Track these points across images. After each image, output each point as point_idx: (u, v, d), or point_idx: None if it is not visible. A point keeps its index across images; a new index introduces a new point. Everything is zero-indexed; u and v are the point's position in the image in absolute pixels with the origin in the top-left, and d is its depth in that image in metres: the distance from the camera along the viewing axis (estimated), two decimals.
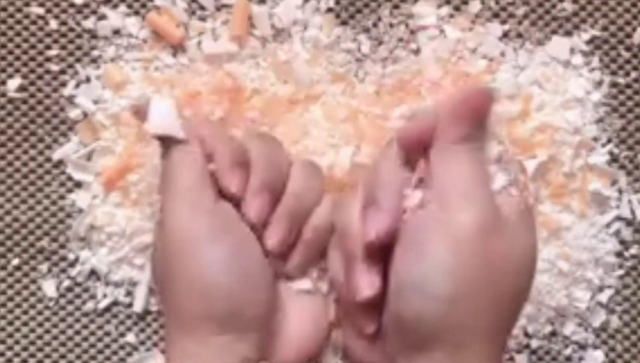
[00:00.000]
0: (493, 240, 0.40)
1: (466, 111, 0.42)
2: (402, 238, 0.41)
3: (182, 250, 0.42)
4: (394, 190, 0.42)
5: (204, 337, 0.41)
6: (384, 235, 0.41)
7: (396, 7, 0.56)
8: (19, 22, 0.55)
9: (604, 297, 0.56)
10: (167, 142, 0.44)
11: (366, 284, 0.42)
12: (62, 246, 0.56)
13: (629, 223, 0.56)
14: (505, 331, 0.42)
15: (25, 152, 0.56)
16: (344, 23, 0.56)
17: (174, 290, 0.42)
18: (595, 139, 0.56)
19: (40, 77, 0.56)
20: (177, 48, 0.55)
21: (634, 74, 0.56)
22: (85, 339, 0.56)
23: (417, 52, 0.56)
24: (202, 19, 0.55)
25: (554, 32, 0.56)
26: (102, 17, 0.55)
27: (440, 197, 0.41)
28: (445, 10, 0.56)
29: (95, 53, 0.56)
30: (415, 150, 0.42)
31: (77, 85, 0.56)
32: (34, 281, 0.56)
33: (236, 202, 0.44)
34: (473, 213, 0.40)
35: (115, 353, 0.56)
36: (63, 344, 0.56)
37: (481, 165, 0.42)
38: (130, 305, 0.56)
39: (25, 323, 0.56)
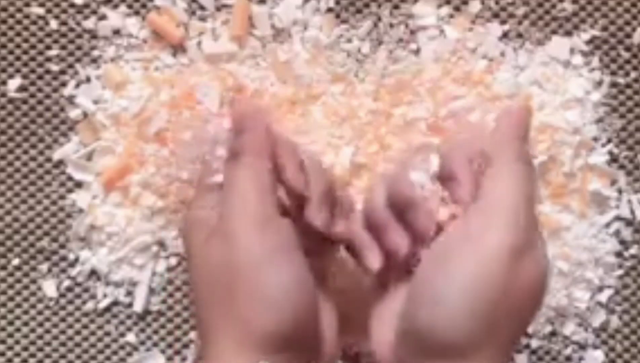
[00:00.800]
0: (524, 260, 0.40)
1: (521, 130, 0.44)
2: (433, 248, 0.42)
3: (251, 268, 0.41)
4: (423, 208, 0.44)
5: (258, 354, 0.41)
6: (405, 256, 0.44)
7: (396, 7, 0.56)
8: (19, 22, 0.55)
9: (603, 297, 0.56)
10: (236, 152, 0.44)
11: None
12: (62, 246, 0.56)
13: (629, 223, 0.56)
14: (516, 341, 0.43)
15: (26, 152, 0.56)
16: (344, 23, 0.56)
17: (241, 305, 0.41)
18: (595, 139, 0.56)
19: (40, 77, 0.56)
20: (177, 48, 0.55)
21: (633, 74, 0.56)
22: (85, 339, 0.56)
23: (417, 52, 0.56)
24: (202, 19, 0.55)
25: (553, 32, 0.56)
26: (102, 17, 0.56)
27: (488, 212, 0.41)
28: (445, 10, 0.56)
29: (95, 53, 0.56)
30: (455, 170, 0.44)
31: (77, 85, 0.56)
32: (34, 281, 0.56)
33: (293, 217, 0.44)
34: (513, 233, 0.40)
35: (115, 353, 0.56)
36: (63, 344, 0.56)
37: (534, 183, 0.43)
38: (130, 305, 0.56)
39: (25, 323, 0.56)
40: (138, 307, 0.55)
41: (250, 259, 0.41)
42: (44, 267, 0.56)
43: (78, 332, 0.56)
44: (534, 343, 0.56)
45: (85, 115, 0.55)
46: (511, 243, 0.40)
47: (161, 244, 0.55)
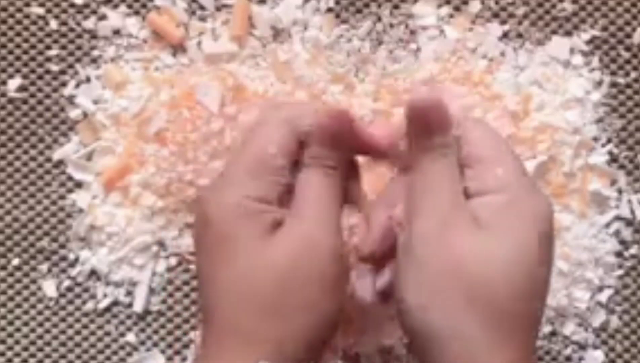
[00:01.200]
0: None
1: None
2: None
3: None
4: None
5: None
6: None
7: (396, 7, 0.56)
8: (19, 22, 0.55)
9: (603, 297, 0.56)
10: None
11: None
12: (62, 246, 0.56)
13: (629, 223, 0.56)
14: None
15: (26, 152, 0.56)
16: (344, 23, 0.56)
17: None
18: (595, 139, 0.56)
19: (40, 77, 0.56)
20: (177, 48, 0.55)
21: (633, 74, 0.56)
22: (86, 339, 0.56)
23: (417, 52, 0.56)
24: (202, 19, 0.56)
25: (553, 32, 0.56)
26: (102, 17, 0.56)
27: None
28: (445, 10, 0.56)
29: (95, 53, 0.56)
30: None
31: (77, 85, 0.56)
32: (34, 281, 0.56)
33: None
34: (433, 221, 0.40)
35: (115, 353, 0.56)
36: (63, 344, 0.56)
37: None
38: (130, 305, 0.56)
39: (25, 323, 0.56)
40: (138, 307, 0.55)
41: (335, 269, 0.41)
42: (44, 267, 0.56)
43: (78, 332, 0.56)
44: None
45: (85, 115, 0.55)
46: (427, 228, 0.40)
47: (161, 244, 0.55)
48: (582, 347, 0.56)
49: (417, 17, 0.55)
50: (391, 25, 0.56)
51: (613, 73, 0.56)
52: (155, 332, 0.56)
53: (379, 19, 0.56)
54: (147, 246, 0.55)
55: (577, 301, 0.55)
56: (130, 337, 0.56)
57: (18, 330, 0.56)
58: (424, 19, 0.55)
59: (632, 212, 0.56)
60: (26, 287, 0.56)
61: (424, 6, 0.56)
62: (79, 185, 0.56)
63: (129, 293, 0.56)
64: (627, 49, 0.56)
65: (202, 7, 0.55)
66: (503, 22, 0.56)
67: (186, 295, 0.56)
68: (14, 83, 0.55)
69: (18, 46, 0.55)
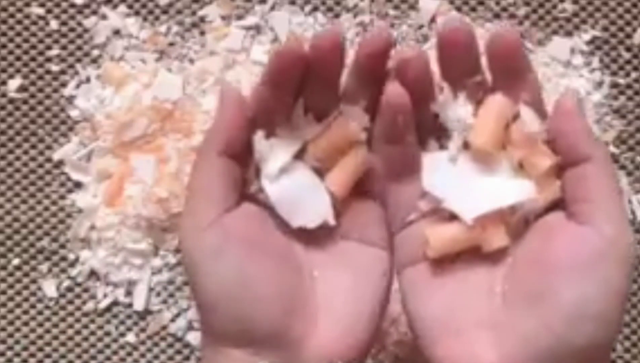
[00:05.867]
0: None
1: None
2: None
3: (192, 265, 0.40)
4: None
5: (224, 348, 0.40)
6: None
7: (396, 7, 0.56)
8: (19, 22, 0.56)
9: None
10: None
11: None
12: (62, 246, 0.56)
13: (630, 223, 0.56)
14: None
15: (26, 152, 0.56)
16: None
17: (196, 301, 0.41)
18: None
19: (40, 78, 0.56)
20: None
21: (634, 75, 0.56)
22: (86, 339, 0.56)
23: None
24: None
25: (554, 32, 0.56)
26: (103, 17, 0.56)
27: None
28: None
29: (95, 53, 0.56)
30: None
31: (78, 86, 0.56)
32: (34, 281, 0.56)
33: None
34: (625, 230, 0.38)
35: (115, 353, 0.56)
36: (63, 344, 0.56)
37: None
38: (130, 305, 0.56)
39: (25, 323, 0.56)
40: (138, 307, 0.55)
41: (190, 259, 0.40)
42: (44, 267, 0.56)
43: (78, 332, 0.56)
44: None
45: (85, 115, 0.55)
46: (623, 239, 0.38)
47: (161, 244, 0.55)
48: None
49: (419, 17, 0.55)
50: (392, 25, 0.56)
51: (614, 73, 0.56)
52: (156, 332, 0.56)
53: (382, 18, 0.56)
54: (146, 246, 0.55)
55: None
56: (130, 337, 0.56)
57: (18, 330, 0.56)
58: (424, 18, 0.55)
59: (633, 212, 0.56)
60: (26, 287, 0.56)
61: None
62: (78, 185, 0.56)
63: (129, 294, 0.56)
64: (628, 49, 0.56)
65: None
66: (503, 23, 0.56)
67: (186, 295, 0.56)
68: (14, 83, 0.55)
69: (18, 46, 0.56)
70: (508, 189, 0.39)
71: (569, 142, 0.38)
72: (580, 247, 0.37)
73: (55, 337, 0.56)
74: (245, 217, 0.41)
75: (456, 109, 0.39)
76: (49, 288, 0.56)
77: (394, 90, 0.39)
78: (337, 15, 0.56)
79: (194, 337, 0.55)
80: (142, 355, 0.56)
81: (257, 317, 0.39)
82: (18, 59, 0.56)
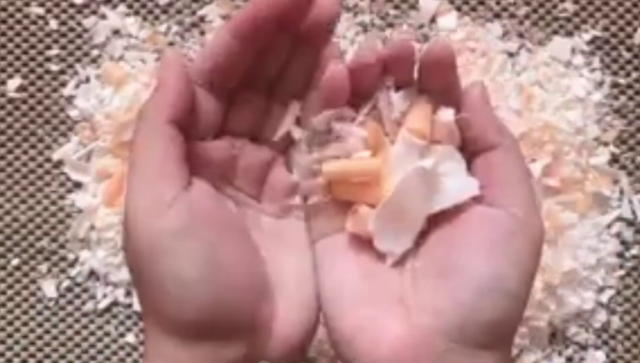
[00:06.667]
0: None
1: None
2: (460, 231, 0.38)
3: (152, 250, 0.36)
4: None
5: (182, 341, 0.37)
6: None
7: (397, 7, 0.56)
8: (19, 22, 0.55)
9: (605, 297, 0.56)
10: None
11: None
12: (62, 246, 0.56)
13: (630, 223, 0.56)
14: None
15: (25, 152, 0.56)
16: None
17: (150, 290, 0.37)
18: (597, 140, 0.56)
19: (40, 77, 0.56)
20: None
21: (634, 75, 0.56)
22: (85, 339, 0.56)
23: (419, 51, 0.55)
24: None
25: (555, 32, 0.56)
26: (102, 17, 0.55)
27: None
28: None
29: (95, 53, 0.56)
30: None
31: (77, 86, 0.56)
32: (33, 281, 0.56)
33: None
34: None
35: (115, 353, 0.56)
36: (63, 344, 0.56)
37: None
38: (130, 305, 0.56)
39: (25, 324, 0.56)
40: (137, 307, 0.55)
41: (148, 243, 0.36)
42: (43, 267, 0.56)
43: (78, 333, 0.56)
44: None
45: (84, 115, 0.55)
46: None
47: None
48: (584, 347, 0.56)
49: (419, 17, 0.55)
50: (392, 25, 0.55)
51: (614, 73, 0.56)
52: None
53: (382, 18, 0.56)
54: None
55: (583, 302, 0.55)
56: (130, 338, 0.56)
57: (17, 330, 0.56)
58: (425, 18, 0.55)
59: (634, 212, 0.56)
60: (26, 287, 0.56)
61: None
62: (78, 185, 0.56)
63: (129, 294, 0.56)
64: (628, 49, 0.56)
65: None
66: (504, 22, 0.56)
67: None
68: (13, 83, 0.55)
69: (18, 46, 0.55)
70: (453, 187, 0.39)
71: (477, 131, 0.39)
72: (490, 226, 0.38)
73: (55, 337, 0.56)
74: (205, 195, 0.38)
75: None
76: (49, 288, 0.56)
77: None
78: None
79: None
80: (142, 356, 0.56)
81: (231, 303, 0.37)
82: (17, 58, 0.56)
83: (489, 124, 0.39)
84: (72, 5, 0.56)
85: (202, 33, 0.56)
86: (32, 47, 0.56)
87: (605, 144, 0.56)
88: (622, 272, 0.56)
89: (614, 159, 0.56)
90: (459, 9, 0.56)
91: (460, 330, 0.37)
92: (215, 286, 0.36)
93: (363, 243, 0.39)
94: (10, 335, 0.56)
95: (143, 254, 0.36)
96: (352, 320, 0.38)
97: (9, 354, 0.56)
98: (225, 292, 0.37)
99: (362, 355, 0.37)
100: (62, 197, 0.56)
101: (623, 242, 0.56)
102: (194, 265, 0.36)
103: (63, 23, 0.56)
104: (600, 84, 0.56)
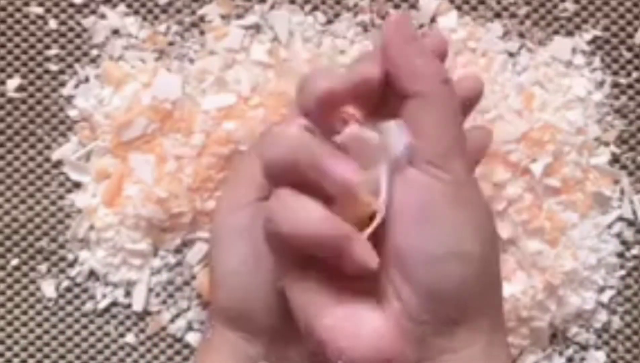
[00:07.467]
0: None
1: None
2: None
3: (214, 239, 0.45)
4: None
5: (223, 329, 0.44)
6: None
7: (397, 7, 0.55)
8: (18, 21, 0.55)
9: (605, 297, 0.56)
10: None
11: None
12: (61, 246, 0.56)
13: (631, 223, 0.56)
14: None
15: (25, 152, 0.56)
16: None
17: (211, 275, 0.45)
18: (597, 140, 0.55)
19: (39, 77, 0.56)
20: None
21: (635, 74, 0.56)
22: (85, 340, 0.56)
23: None
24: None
25: (555, 32, 0.56)
26: (102, 17, 0.55)
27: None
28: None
29: (94, 53, 0.55)
30: None
31: (77, 85, 0.55)
32: (33, 281, 0.56)
33: None
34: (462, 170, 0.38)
35: (114, 353, 0.56)
36: (62, 345, 0.56)
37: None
38: (129, 305, 0.56)
39: (24, 324, 0.56)
40: (137, 307, 0.55)
41: (215, 236, 0.45)
42: (42, 267, 0.55)
43: (77, 333, 0.56)
44: None
45: (84, 115, 0.55)
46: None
47: (160, 244, 0.55)
48: (584, 347, 0.56)
49: (419, 17, 0.55)
50: None
51: (615, 73, 0.56)
52: (155, 332, 0.56)
53: (382, 18, 0.55)
54: (146, 246, 0.55)
55: (584, 302, 0.55)
56: (130, 338, 0.56)
57: (17, 330, 0.56)
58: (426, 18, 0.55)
59: (634, 212, 0.56)
60: (25, 288, 0.56)
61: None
62: (77, 185, 0.56)
63: (128, 294, 0.55)
64: (629, 49, 0.56)
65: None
66: (504, 22, 0.55)
67: (186, 296, 0.55)
68: (12, 83, 0.55)
69: (17, 46, 0.55)
70: None
71: (392, 76, 0.37)
72: (416, 194, 0.36)
73: (54, 338, 0.56)
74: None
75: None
76: (48, 288, 0.56)
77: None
78: (337, 15, 0.55)
79: (193, 338, 0.55)
80: (142, 356, 0.55)
81: (260, 301, 0.43)
82: (17, 58, 0.55)
83: (403, 67, 0.37)
84: (71, 5, 0.55)
85: (202, 32, 0.56)
86: (32, 46, 0.55)
87: (606, 144, 0.56)
88: (622, 272, 0.56)
89: (615, 159, 0.56)
90: (459, 8, 0.56)
91: (422, 308, 0.36)
92: (250, 281, 0.43)
93: None
94: (9, 336, 0.56)
95: (211, 242, 0.46)
96: (333, 319, 0.38)
97: (8, 354, 0.56)
98: (257, 289, 0.43)
99: (345, 351, 0.37)
100: (61, 197, 0.56)
101: (624, 242, 0.56)
102: (238, 260, 0.43)
103: (62, 23, 0.56)
104: (601, 84, 0.55)
